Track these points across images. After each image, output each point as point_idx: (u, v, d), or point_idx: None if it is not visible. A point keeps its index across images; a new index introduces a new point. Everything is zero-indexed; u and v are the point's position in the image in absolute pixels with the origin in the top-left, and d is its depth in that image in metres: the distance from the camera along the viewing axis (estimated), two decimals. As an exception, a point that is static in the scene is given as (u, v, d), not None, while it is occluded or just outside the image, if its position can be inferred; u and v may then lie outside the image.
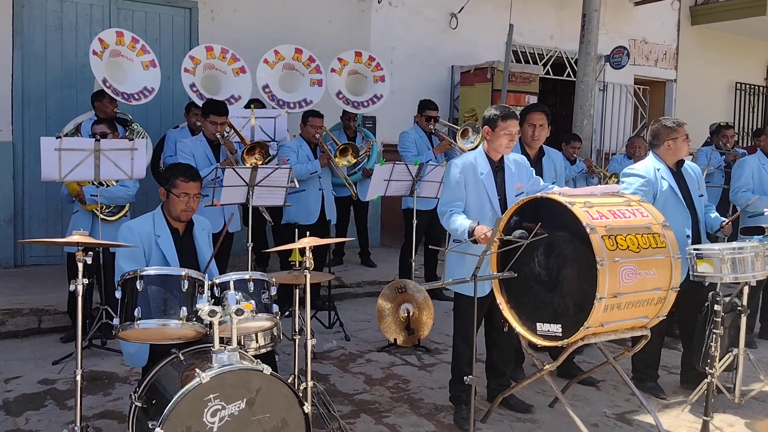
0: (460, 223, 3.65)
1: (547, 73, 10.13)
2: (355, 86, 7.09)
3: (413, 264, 5.78)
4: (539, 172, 4.30)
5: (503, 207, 3.78)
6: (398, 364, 4.90)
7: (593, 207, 3.36)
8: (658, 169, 4.23)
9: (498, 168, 3.88)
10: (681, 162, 4.34)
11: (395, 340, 5.21)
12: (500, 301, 3.64)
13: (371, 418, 3.93)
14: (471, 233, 3.55)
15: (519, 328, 3.56)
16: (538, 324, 3.47)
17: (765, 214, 4.27)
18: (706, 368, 3.78)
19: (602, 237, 3.19)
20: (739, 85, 12.94)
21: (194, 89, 6.15)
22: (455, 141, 6.37)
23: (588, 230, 3.18)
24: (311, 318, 5.41)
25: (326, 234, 5.88)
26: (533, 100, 8.68)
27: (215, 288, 3.14)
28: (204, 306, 2.89)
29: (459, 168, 3.80)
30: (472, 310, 3.27)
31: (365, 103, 7.04)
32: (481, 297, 3.72)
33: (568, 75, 10.22)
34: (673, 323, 5.04)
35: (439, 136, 6.57)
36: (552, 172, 4.47)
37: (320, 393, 3.62)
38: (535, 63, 9.80)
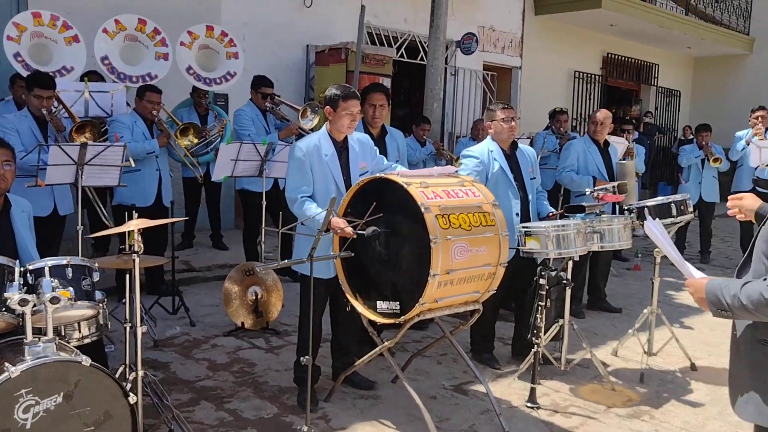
0: (314, 212, 3.60)
1: (402, 56, 10.29)
2: (206, 62, 6.76)
3: (263, 246, 5.68)
4: (383, 151, 4.36)
5: (348, 187, 3.79)
6: (245, 348, 4.82)
7: (429, 187, 3.44)
8: (492, 151, 4.44)
9: (342, 148, 3.87)
10: (515, 145, 4.57)
11: (243, 323, 5.11)
12: (342, 280, 3.66)
13: (212, 405, 3.83)
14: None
15: (360, 307, 3.60)
16: (378, 302, 3.53)
17: (587, 193, 4.58)
18: (533, 338, 4.03)
19: (436, 216, 3.28)
20: (577, 73, 13.87)
21: (19, 59, 5.57)
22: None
23: (423, 210, 3.26)
24: (153, 304, 5.24)
25: (164, 217, 5.59)
26: (387, 82, 8.79)
27: (29, 275, 2.90)
28: (13, 294, 2.67)
29: (303, 151, 3.74)
30: (314, 290, 3.27)
31: (218, 80, 6.72)
32: (328, 278, 3.72)
33: (422, 59, 10.42)
34: (511, 298, 5.32)
35: (275, 113, 6.46)
36: (395, 151, 4.55)
37: (152, 383, 3.47)
38: (390, 45, 9.92)
